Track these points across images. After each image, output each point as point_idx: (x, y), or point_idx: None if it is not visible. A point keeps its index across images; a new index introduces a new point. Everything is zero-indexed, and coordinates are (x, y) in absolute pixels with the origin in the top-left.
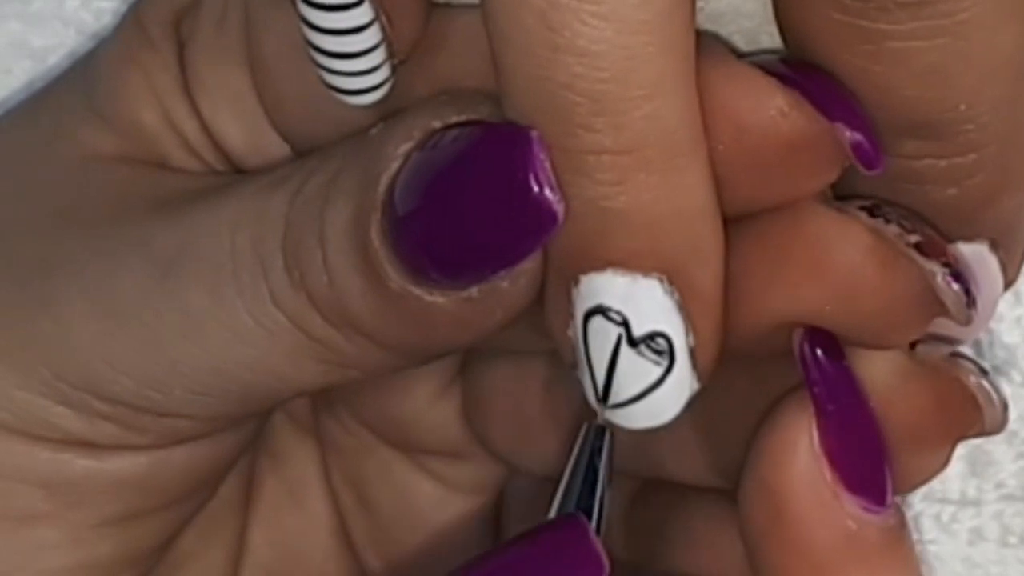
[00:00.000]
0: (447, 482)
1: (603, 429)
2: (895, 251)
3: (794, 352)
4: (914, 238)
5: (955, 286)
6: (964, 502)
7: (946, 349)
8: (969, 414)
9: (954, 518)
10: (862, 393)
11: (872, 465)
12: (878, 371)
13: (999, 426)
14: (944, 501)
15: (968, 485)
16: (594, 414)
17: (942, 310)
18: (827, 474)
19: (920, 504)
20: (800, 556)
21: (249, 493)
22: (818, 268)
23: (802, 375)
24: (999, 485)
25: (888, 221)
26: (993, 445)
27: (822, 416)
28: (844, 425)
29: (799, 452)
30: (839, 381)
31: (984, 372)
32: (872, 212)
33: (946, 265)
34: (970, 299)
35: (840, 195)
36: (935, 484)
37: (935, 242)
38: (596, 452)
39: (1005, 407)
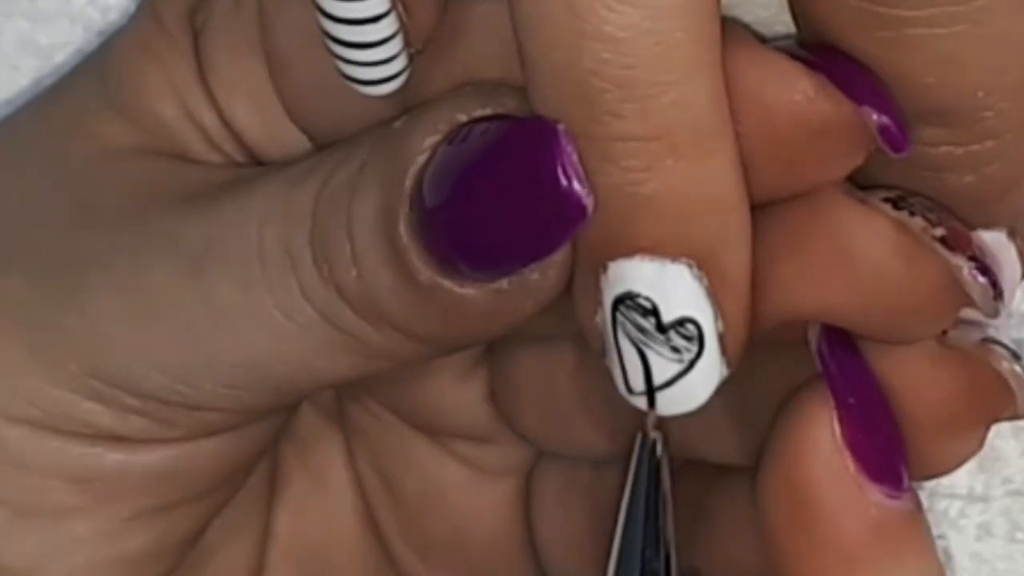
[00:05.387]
0: (473, 465)
1: (655, 443)
2: (920, 245)
3: (811, 348)
4: (939, 231)
5: (981, 279)
6: (972, 498)
7: (978, 335)
8: (1001, 397)
9: (962, 513)
10: (877, 383)
11: (888, 451)
12: (910, 357)
13: None
14: (952, 496)
15: (976, 481)
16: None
17: (969, 303)
18: (851, 466)
19: (928, 500)
20: (829, 550)
21: (274, 481)
22: (842, 262)
23: (820, 370)
24: (1006, 481)
25: (913, 214)
26: (1001, 441)
27: (842, 409)
28: (863, 416)
29: (822, 446)
30: (856, 374)
31: (1017, 357)
32: (896, 204)
33: (972, 258)
34: (997, 291)
35: (860, 184)
36: (943, 480)
37: (960, 234)
38: (651, 463)
39: None
